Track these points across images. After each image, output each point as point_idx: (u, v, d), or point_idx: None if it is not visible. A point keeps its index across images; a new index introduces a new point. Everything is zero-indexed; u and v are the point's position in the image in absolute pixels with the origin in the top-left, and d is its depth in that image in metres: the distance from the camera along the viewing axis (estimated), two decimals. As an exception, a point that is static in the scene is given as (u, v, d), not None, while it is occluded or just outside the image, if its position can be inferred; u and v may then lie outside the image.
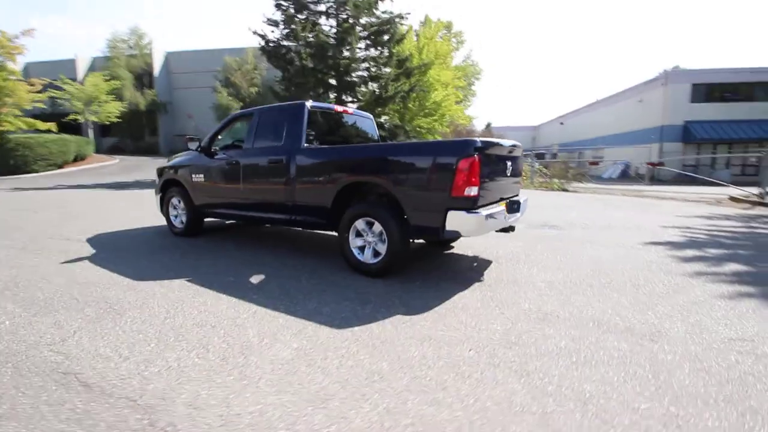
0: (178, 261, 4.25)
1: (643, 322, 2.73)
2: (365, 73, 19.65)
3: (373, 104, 18.95)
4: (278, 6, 18.50)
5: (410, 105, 22.51)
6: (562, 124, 41.48)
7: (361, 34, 18.81)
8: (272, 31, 19.31)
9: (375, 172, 3.56)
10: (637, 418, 1.70)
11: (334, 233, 4.05)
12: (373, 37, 19.39)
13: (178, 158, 5.62)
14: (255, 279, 3.65)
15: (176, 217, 5.50)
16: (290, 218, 4.22)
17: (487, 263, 4.25)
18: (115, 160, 24.67)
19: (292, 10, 18.69)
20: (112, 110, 24.76)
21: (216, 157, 4.95)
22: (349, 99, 20.03)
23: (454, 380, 1.99)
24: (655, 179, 20.41)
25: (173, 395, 1.85)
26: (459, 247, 4.89)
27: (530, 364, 2.16)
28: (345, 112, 4.95)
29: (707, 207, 9.75)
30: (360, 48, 19.70)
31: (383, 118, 20.55)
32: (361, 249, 3.74)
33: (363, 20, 19.07)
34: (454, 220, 3.14)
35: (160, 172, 5.65)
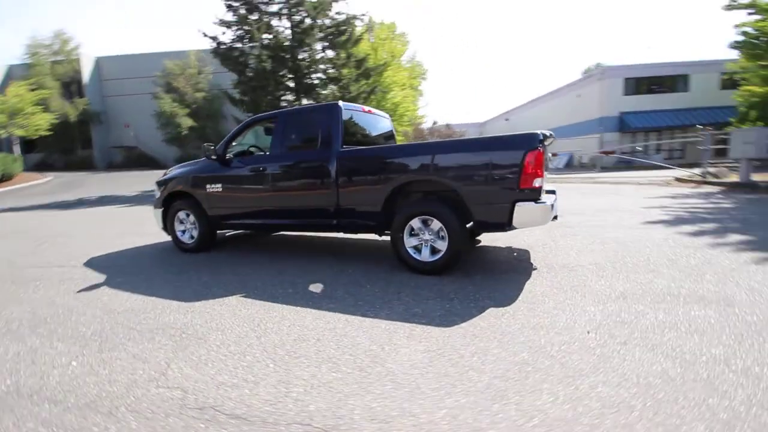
0: (214, 277, 3.94)
1: (707, 291, 2.99)
2: (324, 75, 19.41)
3: (336, 106, 18.76)
4: (229, 7, 17.71)
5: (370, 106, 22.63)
6: (507, 120, 43.71)
7: (318, 35, 18.54)
8: (223, 33, 18.42)
9: (434, 169, 3.55)
10: (784, 373, 1.87)
11: (366, 235, 3.99)
12: (330, 39, 19.18)
13: (181, 169, 5.20)
14: (314, 288, 3.49)
15: (184, 232, 5.08)
16: (333, 223, 4.08)
17: (525, 252, 4.40)
18: (48, 178, 22.16)
19: (244, 11, 17.95)
20: (41, 123, 22.23)
21: (233, 165, 4.65)
22: (307, 102, 19.70)
23: (603, 362, 2.06)
24: (598, 167, 22.15)
25: (345, 412, 1.73)
26: (486, 240, 5.00)
27: (650, 338, 2.29)
28: (369, 112, 4.87)
29: (663, 188, 10.79)
30: (317, 49, 19.40)
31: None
32: (416, 248, 3.71)
33: (319, 21, 18.78)
34: (523, 211, 3.23)
35: (162, 184, 5.19)
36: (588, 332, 2.40)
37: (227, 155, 4.71)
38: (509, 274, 3.61)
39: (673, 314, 2.60)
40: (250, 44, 18.24)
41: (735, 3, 12.14)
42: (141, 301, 3.35)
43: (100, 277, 4.13)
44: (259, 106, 18.62)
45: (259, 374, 2.09)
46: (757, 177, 10.26)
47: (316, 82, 19.07)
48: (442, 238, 3.57)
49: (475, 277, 3.57)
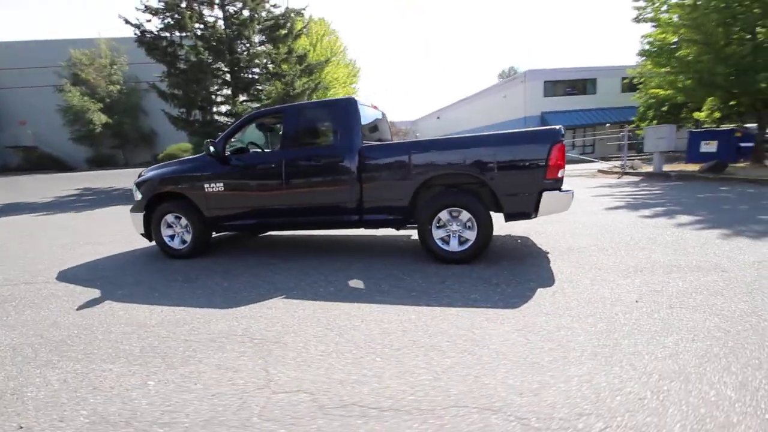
0: (233, 282, 3.70)
1: (699, 261, 3.54)
2: (263, 71, 18.59)
3: (280, 102, 18.12)
4: (156, -9, 16.16)
5: (308, 103, 22.15)
6: (438, 118, 45.60)
7: (257, 27, 17.71)
8: (148, 20, 16.78)
9: (464, 163, 3.71)
10: (802, 318, 2.35)
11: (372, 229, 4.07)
12: (269, 32, 18.43)
13: (165, 168, 4.73)
14: (355, 284, 3.47)
15: (173, 237, 4.65)
16: (356, 219, 4.05)
17: (526, 239, 4.78)
18: None
19: (172, -2, 16.52)
20: None
21: (233, 162, 4.37)
22: (244, 98, 18.78)
23: (667, 324, 2.39)
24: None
25: (489, 391, 1.82)
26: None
27: (686, 301, 2.69)
28: (375, 108, 4.87)
29: (593, 179, 12.20)
30: (255, 43, 18.53)
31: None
32: (443, 240, 3.85)
33: (257, 14, 17.94)
34: (550, 200, 3.53)
35: (143, 185, 4.68)
36: (636, 301, 2.74)
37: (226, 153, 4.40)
38: (530, 259, 3.92)
39: (688, 281, 3.07)
40: (181, 34, 16.88)
41: (641, 17, 14.07)
42: (170, 312, 3.05)
43: (93, 292, 3.65)
44: (193, 101, 17.35)
45: (374, 368, 2.08)
46: (667, 167, 12.08)
47: (255, 77, 18.23)
48: (470, 228, 3.75)
49: (501, 263, 3.81)
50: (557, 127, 3.61)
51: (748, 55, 10.71)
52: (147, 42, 16.53)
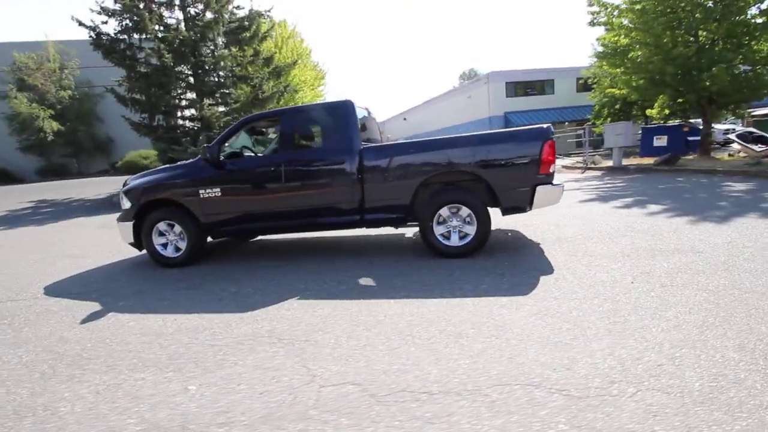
0: (241, 286, 3.67)
1: (676, 245, 3.90)
2: (229, 74, 18.14)
3: (249, 106, 17.78)
4: (111, -8, 15.44)
5: (272, 106, 21.79)
6: (405, 119, 46.15)
7: (222, 29, 17.27)
8: (104, 22, 15.99)
9: (464, 161, 3.88)
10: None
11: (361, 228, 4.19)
12: (233, 34, 18.03)
13: (154, 175, 4.60)
14: (365, 282, 3.55)
15: (166, 245, 4.54)
16: (357, 219, 4.13)
17: (516, 232, 5.03)
18: None
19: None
20: None
21: (227, 167, 4.33)
22: (210, 102, 18.28)
23: (664, 300, 2.65)
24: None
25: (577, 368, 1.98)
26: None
27: (676, 280, 2.98)
28: (367, 109, 4.96)
29: (559, 175, 12.85)
30: (220, 44, 18.06)
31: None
32: (443, 235, 4.01)
33: (220, 16, 17.50)
34: (543, 193, 3.78)
35: (131, 193, 4.52)
36: (632, 282, 3.01)
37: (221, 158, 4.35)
38: (525, 249, 4.16)
39: (671, 263, 3.39)
40: (141, 36, 16.20)
41: (595, 21, 14.98)
42: (185, 320, 3.01)
43: (91, 305, 3.51)
44: (156, 106, 16.70)
45: (411, 358, 2.19)
46: (625, 161, 12.93)
47: (222, 80, 17.75)
48: (469, 223, 3.93)
49: (498, 255, 4.01)
50: (546, 125, 3.86)
51: (692, 56, 11.67)
52: (104, 45, 15.76)
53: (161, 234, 4.52)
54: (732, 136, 14.62)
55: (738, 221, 4.65)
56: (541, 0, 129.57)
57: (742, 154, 13.43)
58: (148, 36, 15.86)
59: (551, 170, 3.80)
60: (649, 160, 12.72)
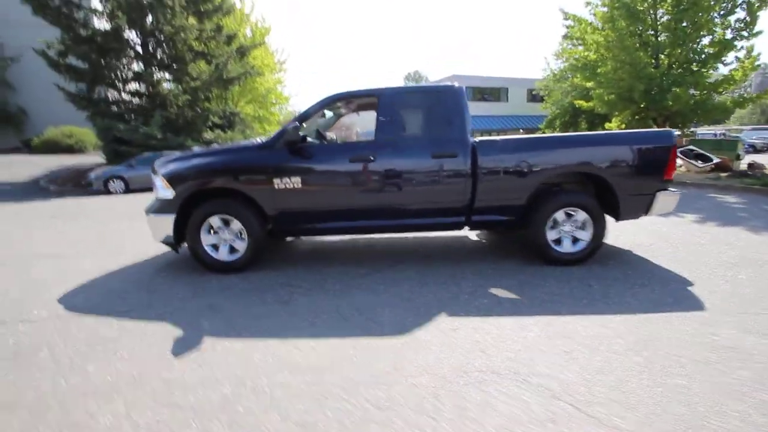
0: (352, 300, 3.02)
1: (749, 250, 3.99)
2: (186, 47, 16.17)
3: (213, 85, 16.08)
4: (48, -65, 12.97)
5: (234, 89, 19.99)
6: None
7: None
8: (37, -29, 13.36)
9: (590, 162, 3.57)
10: None
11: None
12: (194, 4, 16.13)
13: (210, 157, 3.67)
14: (500, 293, 3.10)
15: (217, 246, 3.66)
16: (462, 220, 3.65)
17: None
18: None
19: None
20: None
21: (306, 153, 3.58)
22: (163, 76, 16.20)
23: None
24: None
25: None
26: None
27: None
28: None
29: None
30: (178, 13, 15.98)
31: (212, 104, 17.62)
32: (555, 241, 3.69)
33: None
34: (663, 200, 3.62)
35: (174, 178, 3.56)
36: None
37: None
38: (622, 257, 3.95)
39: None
40: (83, -7, 13.80)
41: (569, 35, 15.79)
42: (326, 345, 2.35)
43: (158, 326, 2.67)
44: (100, 76, 14.36)
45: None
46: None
47: (180, 54, 15.74)
48: (582, 228, 3.66)
49: (602, 263, 3.76)
50: (672, 129, 3.72)
51: (659, 77, 12.73)
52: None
53: (212, 233, 3.64)
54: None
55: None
56: (485, 9, 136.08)
57: (683, 169, 15.08)
58: (95, -7, 13.56)
59: (671, 176, 3.66)
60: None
